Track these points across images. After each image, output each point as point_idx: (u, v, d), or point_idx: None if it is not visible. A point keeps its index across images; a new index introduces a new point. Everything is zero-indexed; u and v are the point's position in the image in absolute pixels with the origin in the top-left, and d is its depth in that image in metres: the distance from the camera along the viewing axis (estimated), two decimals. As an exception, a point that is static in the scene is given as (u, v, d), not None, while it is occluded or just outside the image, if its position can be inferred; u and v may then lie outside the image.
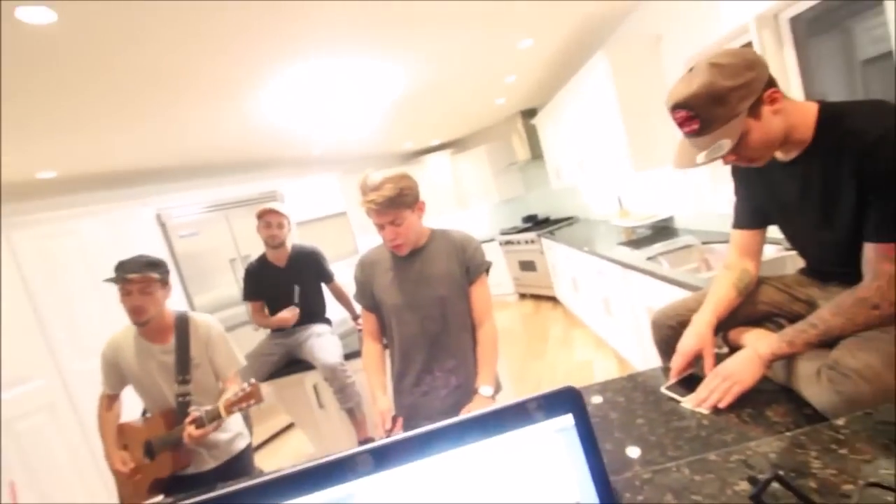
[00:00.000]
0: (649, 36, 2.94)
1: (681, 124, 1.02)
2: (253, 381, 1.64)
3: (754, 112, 0.97)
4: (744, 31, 2.15)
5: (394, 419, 1.38)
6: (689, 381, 1.11)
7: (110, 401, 1.81)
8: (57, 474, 2.75)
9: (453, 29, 2.53)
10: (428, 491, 0.41)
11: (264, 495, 0.40)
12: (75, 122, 2.32)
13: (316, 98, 3.05)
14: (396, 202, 1.37)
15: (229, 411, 1.61)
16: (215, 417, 1.61)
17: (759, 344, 1.00)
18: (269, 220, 2.53)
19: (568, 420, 0.41)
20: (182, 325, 1.75)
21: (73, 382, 2.91)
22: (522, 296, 6.30)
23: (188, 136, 3.06)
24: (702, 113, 0.97)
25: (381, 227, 1.43)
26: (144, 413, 1.86)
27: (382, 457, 0.41)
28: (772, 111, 0.98)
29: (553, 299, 5.65)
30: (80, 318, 2.98)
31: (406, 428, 1.53)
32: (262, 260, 2.67)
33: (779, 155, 1.11)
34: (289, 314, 2.53)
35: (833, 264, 1.09)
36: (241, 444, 1.84)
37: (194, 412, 1.62)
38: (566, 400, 0.41)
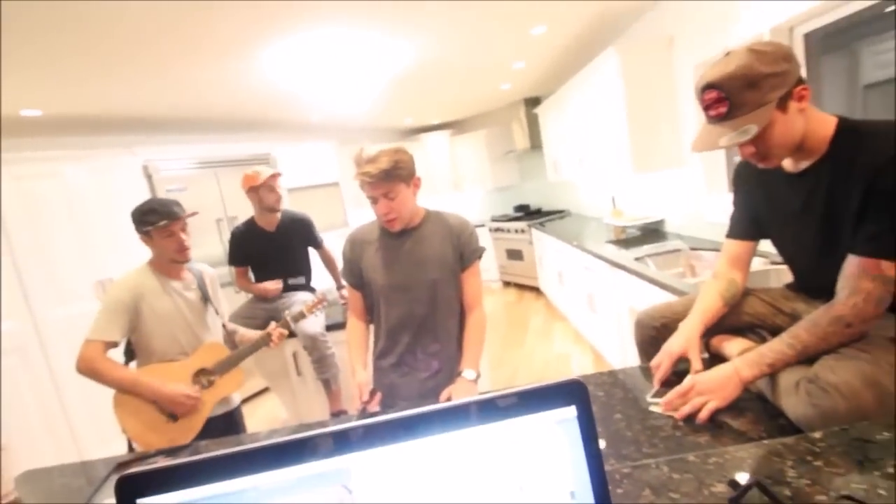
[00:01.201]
0: (662, 36, 2.92)
1: (708, 106, 1.02)
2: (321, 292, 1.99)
3: (782, 105, 0.96)
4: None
5: (371, 392, 1.38)
6: (668, 388, 1.13)
7: (107, 349, 1.66)
8: (23, 418, 2.71)
9: (467, 8, 2.47)
10: (423, 471, 0.41)
11: (256, 461, 0.39)
12: (68, 62, 2.21)
13: (320, 64, 2.97)
14: (391, 175, 1.35)
15: (311, 312, 2.03)
16: (299, 319, 2.01)
17: (741, 364, 1.00)
18: (273, 184, 2.51)
19: (570, 412, 0.41)
20: (194, 268, 1.86)
21: (46, 327, 2.85)
22: (507, 284, 6.35)
23: (185, 88, 2.96)
24: (733, 95, 0.97)
25: (374, 201, 1.40)
26: (127, 362, 1.79)
27: (378, 432, 0.40)
28: (798, 108, 0.98)
29: (536, 290, 5.70)
30: (56, 264, 2.91)
31: (382, 408, 1.54)
32: (251, 224, 2.62)
33: (787, 165, 1.11)
34: (272, 286, 2.52)
35: (825, 280, 1.11)
36: (238, 399, 1.96)
37: (285, 315, 1.98)
38: (572, 392, 0.41)
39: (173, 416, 1.67)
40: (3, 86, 2.34)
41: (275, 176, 2.52)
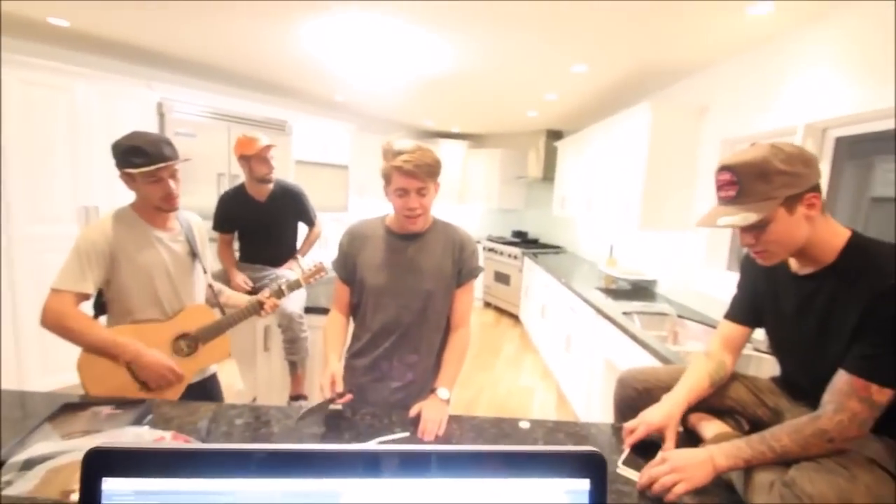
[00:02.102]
0: (696, 104, 2.96)
1: (720, 187, 1.04)
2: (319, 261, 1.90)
3: (790, 206, 0.98)
4: (790, 133, 2.18)
5: (341, 394, 1.32)
6: (639, 456, 1.12)
7: (79, 301, 1.42)
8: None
9: (516, 29, 2.47)
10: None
11: (241, 464, 0.36)
12: (109, -20, 2.16)
13: (358, 47, 2.94)
14: (433, 170, 1.34)
15: (307, 281, 1.87)
16: (294, 287, 1.84)
17: (717, 452, 0.99)
18: (266, 155, 2.39)
19: (583, 484, 0.38)
20: (182, 216, 1.64)
21: (18, 242, 2.74)
22: (487, 305, 6.34)
23: (217, 35, 2.91)
24: (744, 181, 0.99)
25: (403, 193, 1.35)
26: (95, 317, 1.58)
27: (379, 463, 0.38)
28: (805, 214, 0.99)
29: (516, 317, 5.70)
30: (44, 178, 2.80)
31: (347, 408, 1.48)
32: (240, 191, 2.51)
33: (793, 265, 1.12)
34: (241, 281, 2.41)
35: (810, 383, 1.11)
36: (214, 367, 1.78)
37: (273, 284, 1.84)
38: (588, 463, 0.38)
39: (146, 385, 1.47)
40: (36, -11, 2.27)
41: (268, 147, 2.39)
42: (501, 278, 5.94)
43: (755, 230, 1.01)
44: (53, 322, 1.38)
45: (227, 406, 1.34)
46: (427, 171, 1.33)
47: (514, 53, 2.90)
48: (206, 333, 1.59)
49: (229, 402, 1.62)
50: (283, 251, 2.62)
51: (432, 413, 1.26)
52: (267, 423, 1.25)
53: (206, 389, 1.69)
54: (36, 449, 0.94)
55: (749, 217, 0.98)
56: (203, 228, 1.73)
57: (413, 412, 1.28)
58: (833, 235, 1.03)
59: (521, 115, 5.05)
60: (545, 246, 5.90)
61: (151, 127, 3.25)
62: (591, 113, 4.51)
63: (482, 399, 3.54)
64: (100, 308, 1.58)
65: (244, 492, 0.36)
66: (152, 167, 1.43)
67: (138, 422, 1.14)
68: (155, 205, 1.51)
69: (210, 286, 1.73)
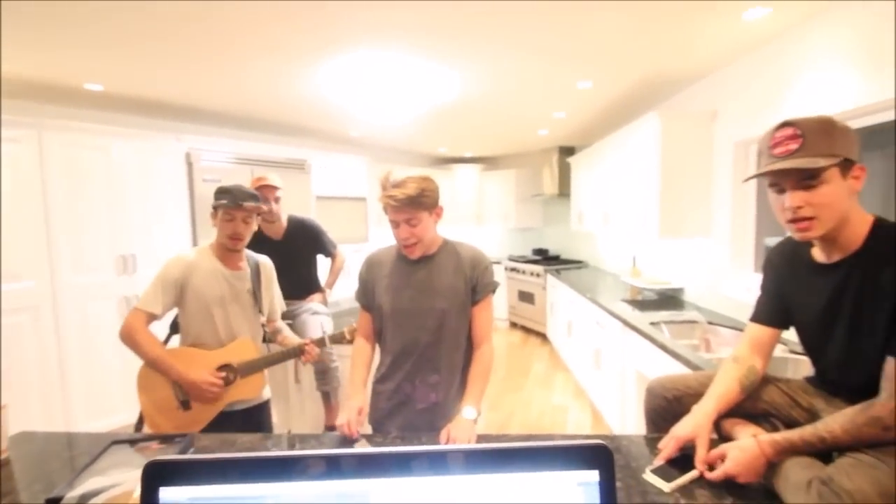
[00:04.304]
0: (706, 109, 2.97)
1: (777, 143, 1.03)
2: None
3: (844, 171, 0.99)
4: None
5: (356, 439, 1.30)
6: (673, 466, 1.11)
7: (149, 321, 1.67)
8: (23, 374, 2.74)
9: (519, 52, 2.55)
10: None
11: (282, 469, 0.40)
12: (138, 43, 2.34)
13: (370, 83, 3.08)
14: (416, 202, 1.37)
15: (353, 336, 1.73)
16: (338, 341, 1.82)
17: (769, 449, 1.00)
18: (265, 194, 2.39)
19: (592, 476, 0.41)
20: (253, 259, 1.85)
21: (62, 292, 2.91)
22: (514, 325, 6.29)
23: (239, 86, 3.09)
24: (808, 135, 0.99)
25: (395, 225, 1.42)
26: (165, 343, 1.79)
27: (404, 462, 0.41)
28: (851, 187, 1.00)
29: (543, 336, 5.64)
30: (85, 233, 2.99)
31: (375, 432, 1.51)
32: (257, 232, 2.59)
33: (818, 255, 1.11)
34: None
35: (847, 377, 1.09)
36: (266, 394, 1.87)
37: (317, 334, 1.88)
38: (597, 455, 0.41)
39: (185, 404, 1.65)
40: (74, 57, 2.48)
41: (263, 186, 2.43)
42: (525, 297, 5.92)
43: (806, 190, 0.99)
44: (125, 334, 1.61)
45: (262, 437, 1.38)
46: (412, 203, 1.36)
47: (520, 76, 2.98)
48: (245, 367, 1.71)
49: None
50: (305, 285, 2.69)
51: (460, 433, 1.27)
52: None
53: (253, 417, 1.79)
54: (89, 484, 1.00)
55: (816, 161, 0.97)
56: (270, 271, 1.91)
57: (442, 437, 1.29)
58: (860, 220, 1.03)
59: (532, 135, 5.13)
60: (567, 262, 5.87)
61: (180, 176, 3.44)
62: (601, 127, 4.55)
63: (514, 421, 3.50)
64: (175, 328, 1.79)
65: (281, 494, 0.40)
66: (227, 203, 1.68)
67: (182, 454, 1.19)
68: (222, 241, 1.73)
69: (264, 324, 1.87)
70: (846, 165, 0.99)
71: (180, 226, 3.45)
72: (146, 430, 1.66)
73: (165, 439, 1.27)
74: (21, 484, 1.13)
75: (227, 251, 1.75)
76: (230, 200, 1.68)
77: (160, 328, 1.76)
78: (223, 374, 1.67)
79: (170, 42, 2.32)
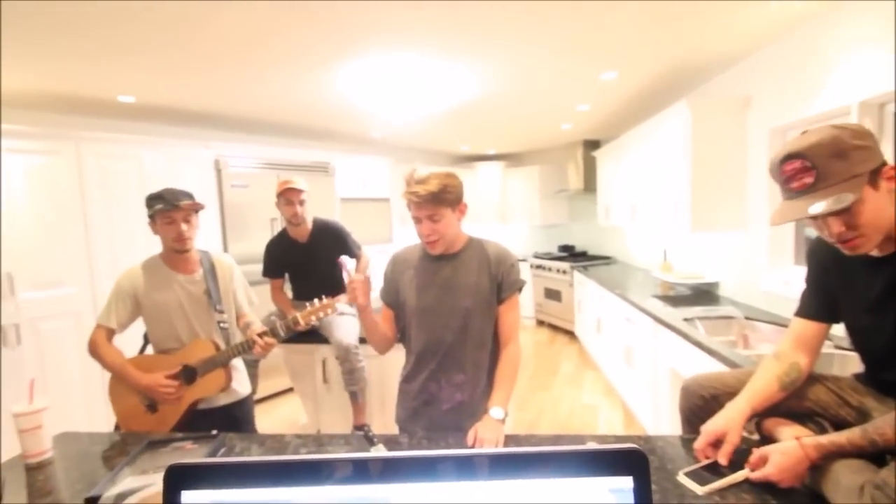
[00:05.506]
0: (739, 96, 2.85)
1: (789, 178, 0.97)
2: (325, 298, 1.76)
3: (873, 182, 0.92)
4: (843, 114, 2.05)
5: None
6: (709, 470, 1.06)
7: (110, 335, 1.73)
8: (65, 378, 2.87)
9: (540, 45, 2.50)
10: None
11: (306, 473, 0.39)
12: (168, 55, 2.41)
13: (390, 85, 3.08)
14: (438, 198, 1.37)
15: (307, 320, 1.75)
16: (292, 327, 1.76)
17: (813, 453, 0.94)
18: (290, 197, 2.46)
19: (626, 482, 0.38)
20: (207, 259, 1.84)
21: (103, 298, 2.98)
22: (541, 323, 6.22)
23: (265, 92, 3.15)
24: (820, 165, 0.92)
25: (418, 221, 1.42)
26: (141, 351, 1.86)
27: (428, 467, 0.39)
28: (888, 189, 0.93)
29: (571, 334, 5.55)
30: (121, 240, 3.10)
31: (401, 430, 1.52)
32: (283, 235, 2.63)
33: None
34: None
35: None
36: (247, 390, 1.91)
37: (271, 323, 1.79)
38: (630, 460, 0.38)
39: (151, 408, 1.71)
40: (108, 71, 2.57)
41: (289, 189, 2.45)
42: (552, 295, 5.83)
43: (844, 216, 0.93)
44: (89, 349, 1.72)
45: (292, 437, 1.40)
46: (434, 199, 1.36)
47: (541, 69, 2.93)
48: (204, 366, 1.72)
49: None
50: (331, 287, 2.70)
51: (487, 433, 1.25)
52: (330, 451, 1.30)
53: (232, 414, 1.81)
54: (126, 483, 1.03)
55: (844, 198, 0.90)
56: (228, 268, 1.89)
57: (469, 438, 1.28)
58: None
59: (555, 129, 5.05)
60: (594, 258, 5.76)
61: (210, 182, 3.54)
62: (627, 119, 4.43)
63: (543, 421, 3.45)
64: (147, 338, 1.84)
65: (303, 498, 0.39)
66: (162, 207, 1.67)
67: (213, 454, 1.21)
68: (169, 245, 1.73)
69: (219, 322, 1.80)
70: (875, 175, 0.92)
71: (210, 230, 3.54)
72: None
73: (198, 439, 1.29)
74: (63, 483, 1.17)
75: (175, 255, 1.76)
76: (165, 204, 1.67)
77: (135, 340, 1.85)
78: (175, 374, 1.68)
79: (196, 53, 2.38)
